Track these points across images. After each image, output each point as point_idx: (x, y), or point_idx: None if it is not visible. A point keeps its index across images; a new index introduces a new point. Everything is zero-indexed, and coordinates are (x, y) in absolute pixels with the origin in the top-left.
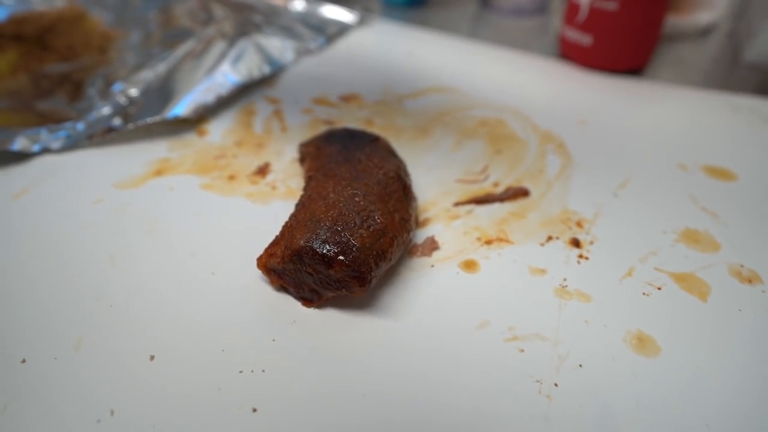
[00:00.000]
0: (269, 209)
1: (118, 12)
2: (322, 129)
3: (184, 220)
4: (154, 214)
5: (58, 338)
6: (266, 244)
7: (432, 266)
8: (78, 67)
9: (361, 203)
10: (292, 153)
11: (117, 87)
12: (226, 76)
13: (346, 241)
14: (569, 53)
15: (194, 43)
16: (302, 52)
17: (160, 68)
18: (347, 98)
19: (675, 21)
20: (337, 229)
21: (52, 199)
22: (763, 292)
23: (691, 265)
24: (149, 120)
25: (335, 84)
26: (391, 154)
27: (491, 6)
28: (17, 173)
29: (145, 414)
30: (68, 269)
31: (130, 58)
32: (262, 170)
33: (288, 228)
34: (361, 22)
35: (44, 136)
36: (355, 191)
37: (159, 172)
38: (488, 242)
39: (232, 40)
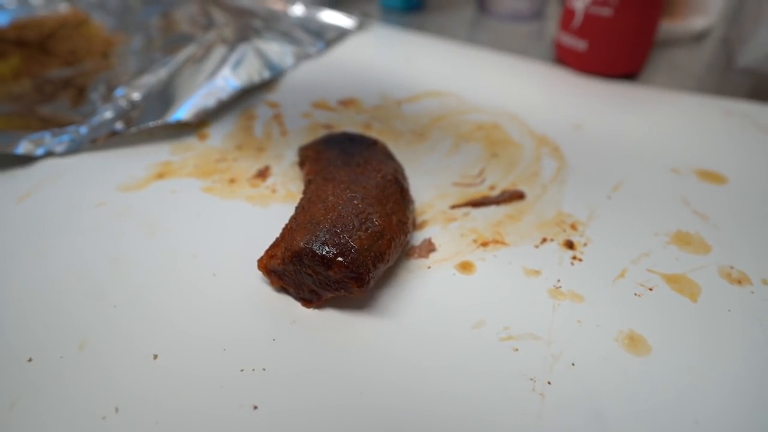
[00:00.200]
0: (269, 212)
1: (119, 17)
2: (321, 133)
3: (185, 222)
4: (156, 217)
5: (63, 338)
6: (266, 246)
7: (429, 268)
8: (80, 72)
9: (360, 206)
10: (291, 157)
11: (119, 91)
12: (227, 80)
13: (345, 243)
14: (565, 58)
15: (195, 48)
16: (302, 57)
17: (162, 73)
18: (346, 102)
19: (669, 26)
20: (336, 231)
21: (56, 201)
22: (752, 293)
23: (682, 266)
24: (151, 124)
25: (334, 88)
26: (389, 157)
27: (489, 11)
28: (22, 176)
29: (148, 411)
30: (72, 271)
31: (132, 63)
32: (263, 173)
33: (288, 230)
34: (360, 27)
35: (48, 139)
36: (353, 194)
37: (161, 176)
38: (484, 244)
39: (232, 45)
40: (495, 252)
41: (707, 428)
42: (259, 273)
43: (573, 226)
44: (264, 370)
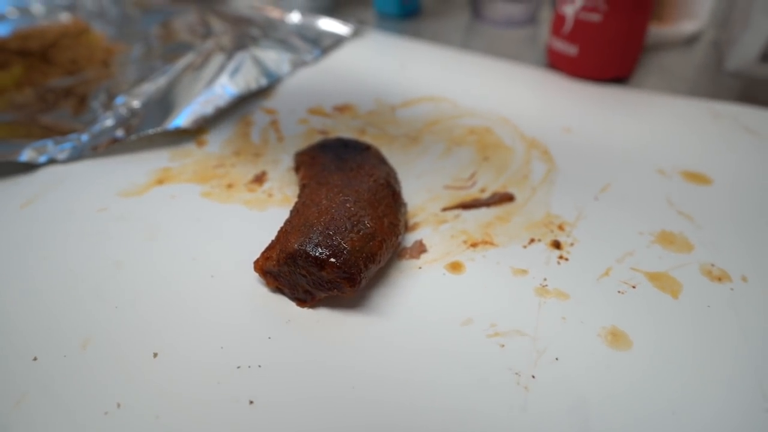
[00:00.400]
0: (266, 215)
1: (120, 27)
2: (317, 138)
3: (184, 226)
4: (156, 221)
5: (67, 338)
6: (263, 249)
7: (419, 268)
8: (81, 80)
9: (352, 209)
10: (287, 162)
11: (119, 100)
12: (225, 88)
13: (338, 245)
14: (557, 63)
15: (194, 56)
16: (298, 64)
17: (161, 81)
18: (341, 108)
19: (660, 31)
20: (329, 233)
21: (58, 207)
22: (732, 289)
23: (665, 264)
24: (151, 131)
25: (330, 95)
26: (382, 162)
27: (483, 17)
28: (25, 183)
29: (149, 406)
30: (75, 273)
31: (132, 71)
32: (259, 178)
33: (283, 233)
34: (356, 34)
35: (51, 147)
36: (346, 197)
37: (160, 181)
38: (474, 245)
39: (230, 53)
40: (484, 252)
41: (683, 418)
42: (256, 274)
43: (561, 227)
44: (260, 366)
